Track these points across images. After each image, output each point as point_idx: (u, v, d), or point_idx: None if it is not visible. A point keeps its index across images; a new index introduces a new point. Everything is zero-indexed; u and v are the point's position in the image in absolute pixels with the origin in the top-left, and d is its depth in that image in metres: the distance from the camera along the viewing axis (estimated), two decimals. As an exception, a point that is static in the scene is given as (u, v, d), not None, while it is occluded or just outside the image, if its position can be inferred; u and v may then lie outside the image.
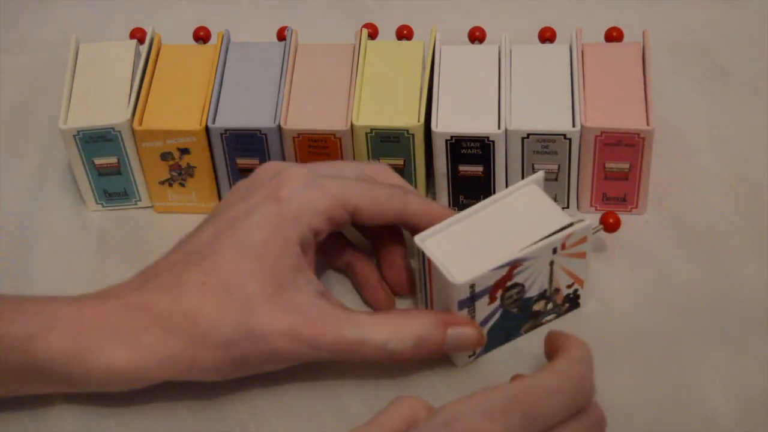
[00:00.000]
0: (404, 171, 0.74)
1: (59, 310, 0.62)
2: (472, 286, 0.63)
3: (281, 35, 0.80)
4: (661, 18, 0.89)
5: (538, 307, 0.67)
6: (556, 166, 0.73)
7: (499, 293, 0.65)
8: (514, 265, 0.64)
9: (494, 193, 0.75)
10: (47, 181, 0.80)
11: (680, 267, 0.72)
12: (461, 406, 0.55)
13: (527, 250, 0.64)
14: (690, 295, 0.71)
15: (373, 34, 0.79)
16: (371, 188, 0.66)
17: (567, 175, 0.73)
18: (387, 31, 0.80)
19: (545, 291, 0.67)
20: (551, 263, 0.65)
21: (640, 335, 0.69)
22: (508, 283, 0.65)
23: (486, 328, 0.66)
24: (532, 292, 0.66)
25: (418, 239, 0.64)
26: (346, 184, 0.66)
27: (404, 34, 0.80)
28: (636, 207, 0.75)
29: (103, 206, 0.78)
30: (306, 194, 0.64)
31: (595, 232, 0.69)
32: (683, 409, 0.65)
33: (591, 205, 0.76)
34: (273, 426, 0.65)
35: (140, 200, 0.78)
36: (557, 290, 0.67)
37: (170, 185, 0.77)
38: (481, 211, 0.66)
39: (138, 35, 0.80)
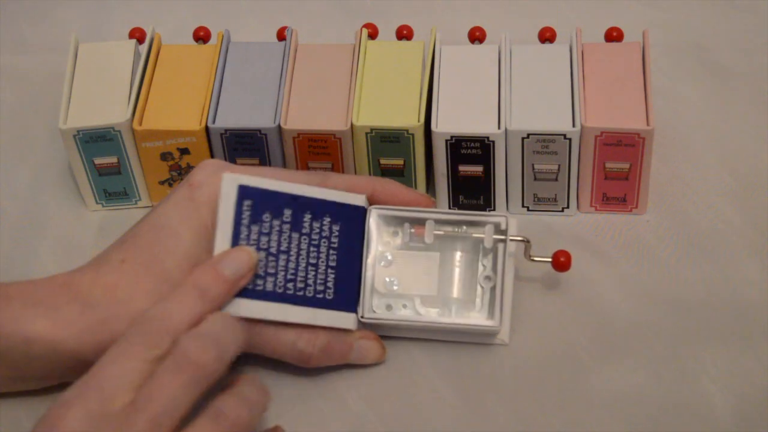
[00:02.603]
0: (404, 171, 0.74)
1: None
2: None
3: (281, 35, 0.80)
4: (661, 18, 0.89)
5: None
6: (556, 166, 0.73)
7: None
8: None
9: (494, 193, 0.75)
10: (47, 181, 0.80)
11: (680, 267, 0.72)
12: None
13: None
14: (690, 295, 0.71)
15: (373, 34, 0.79)
16: (289, 171, 0.68)
17: (567, 175, 0.73)
18: (387, 31, 0.80)
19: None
20: None
21: (640, 335, 0.69)
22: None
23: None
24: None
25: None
26: (260, 168, 0.67)
27: (404, 34, 0.80)
28: (636, 207, 0.75)
29: (103, 206, 0.78)
30: (215, 179, 0.65)
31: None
32: (683, 409, 0.65)
33: (591, 205, 0.76)
34: (273, 423, 0.65)
35: (140, 200, 0.78)
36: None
37: (170, 185, 0.77)
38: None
39: (137, 35, 0.80)
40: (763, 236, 0.74)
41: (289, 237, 0.65)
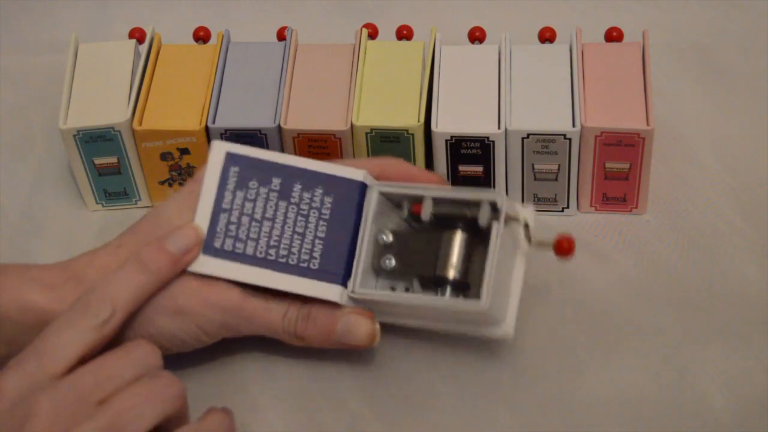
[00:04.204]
0: (404, 171, 0.74)
1: None
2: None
3: (281, 35, 0.80)
4: (661, 18, 0.89)
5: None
6: (556, 166, 0.73)
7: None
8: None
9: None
10: (47, 181, 0.80)
11: (680, 267, 0.72)
12: None
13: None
14: (690, 295, 0.71)
15: (373, 34, 0.79)
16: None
17: (567, 175, 0.73)
18: (387, 31, 0.80)
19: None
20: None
21: (640, 334, 0.69)
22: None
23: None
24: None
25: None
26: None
27: (404, 34, 0.80)
28: (636, 207, 0.75)
29: (103, 206, 0.78)
30: None
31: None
32: (683, 408, 0.65)
33: (591, 205, 0.76)
34: (273, 422, 0.65)
35: (140, 200, 0.78)
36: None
37: (170, 185, 0.77)
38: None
39: (137, 35, 0.80)
40: (763, 236, 0.74)
41: (276, 204, 0.65)
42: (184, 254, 0.64)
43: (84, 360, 0.59)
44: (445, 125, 0.72)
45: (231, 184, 0.65)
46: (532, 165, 0.73)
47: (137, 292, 0.62)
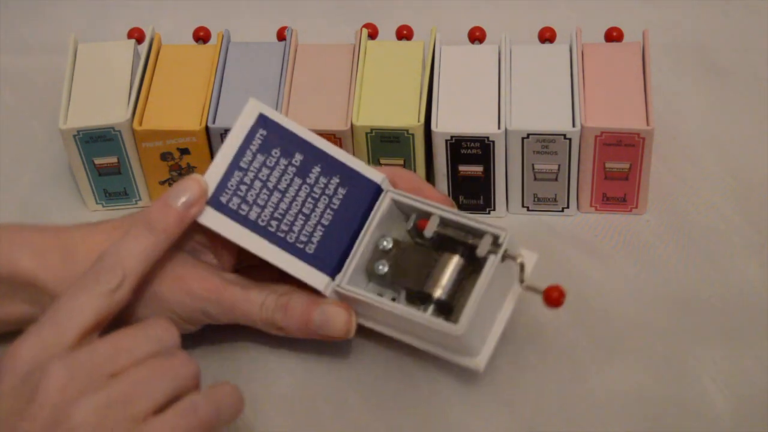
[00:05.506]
0: (404, 171, 0.74)
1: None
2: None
3: (281, 35, 0.80)
4: (661, 18, 0.89)
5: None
6: (556, 166, 0.73)
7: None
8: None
9: (494, 193, 0.75)
10: (47, 181, 0.80)
11: (680, 267, 0.72)
12: None
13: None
14: (690, 295, 0.71)
15: (373, 34, 0.79)
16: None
17: (567, 175, 0.73)
18: (387, 31, 0.80)
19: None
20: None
21: (640, 334, 0.69)
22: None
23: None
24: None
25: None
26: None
27: (404, 34, 0.80)
28: (636, 207, 0.75)
29: (103, 206, 0.78)
30: None
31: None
32: (683, 408, 0.65)
33: (591, 205, 0.76)
34: (275, 423, 0.66)
35: (140, 200, 0.78)
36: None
37: (170, 185, 0.77)
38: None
39: (136, 35, 0.80)
40: (763, 236, 0.74)
41: (291, 179, 0.65)
42: (189, 208, 0.64)
43: (98, 326, 0.60)
44: (445, 125, 0.72)
45: (254, 146, 0.65)
46: (532, 165, 0.73)
47: (147, 255, 0.62)
